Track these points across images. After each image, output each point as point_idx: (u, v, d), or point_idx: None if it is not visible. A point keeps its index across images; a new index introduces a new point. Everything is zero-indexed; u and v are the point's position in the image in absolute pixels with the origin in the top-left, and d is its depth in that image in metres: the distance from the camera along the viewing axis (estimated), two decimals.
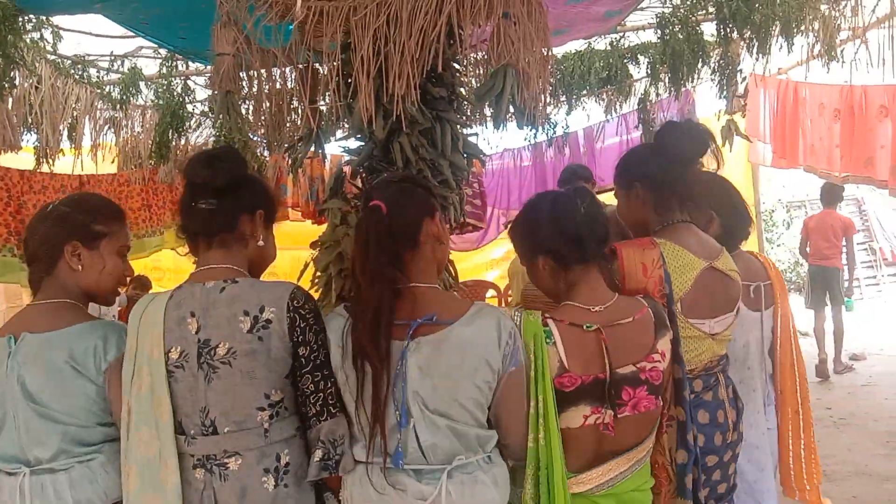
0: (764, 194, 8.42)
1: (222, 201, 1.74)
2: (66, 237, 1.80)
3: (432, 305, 1.68)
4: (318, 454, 1.65)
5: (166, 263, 7.79)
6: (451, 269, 3.09)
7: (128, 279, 2.01)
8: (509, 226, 2.05)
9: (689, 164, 2.10)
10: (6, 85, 2.79)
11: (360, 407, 1.62)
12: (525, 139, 6.15)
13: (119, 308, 6.64)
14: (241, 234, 1.77)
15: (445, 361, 1.61)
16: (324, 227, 2.90)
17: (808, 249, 8.01)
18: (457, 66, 2.85)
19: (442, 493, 1.57)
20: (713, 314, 2.03)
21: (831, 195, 7.92)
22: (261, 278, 1.86)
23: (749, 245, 2.79)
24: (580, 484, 1.74)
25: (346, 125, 2.94)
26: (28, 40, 3.18)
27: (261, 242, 1.81)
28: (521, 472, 1.72)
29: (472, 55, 2.95)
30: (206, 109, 4.97)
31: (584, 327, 1.76)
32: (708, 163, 2.20)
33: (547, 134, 5.53)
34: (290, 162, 5.72)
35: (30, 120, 3.73)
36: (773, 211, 14.76)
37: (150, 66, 4.65)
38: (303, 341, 1.66)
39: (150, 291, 6.97)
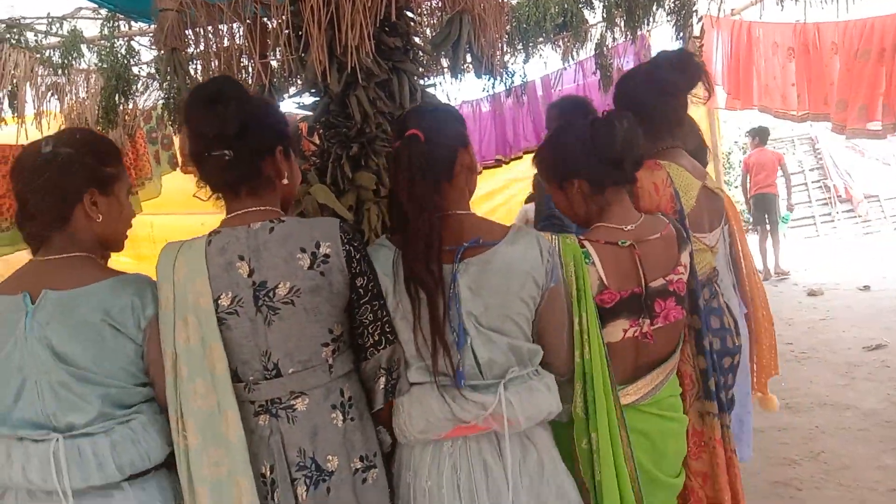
0: (721, 137, 8.62)
1: (239, 150, 1.61)
2: (81, 185, 1.62)
3: (475, 229, 1.71)
4: (381, 381, 1.66)
5: None
6: None
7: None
8: (535, 153, 2.09)
9: (681, 95, 2.19)
10: None
11: (417, 332, 1.62)
12: (483, 90, 6.07)
13: None
14: (265, 177, 1.66)
15: (494, 280, 1.64)
16: None
17: (748, 184, 9.73)
18: (411, 14, 2.77)
19: (502, 402, 1.60)
20: (710, 228, 2.20)
21: (762, 135, 9.71)
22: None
23: None
24: (628, 395, 1.86)
25: (300, 80, 2.87)
26: None
27: (286, 180, 1.71)
28: (564, 388, 1.77)
29: (426, 3, 2.88)
30: (153, 71, 4.80)
31: (619, 244, 1.86)
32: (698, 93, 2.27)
33: (505, 84, 5.46)
34: None
35: None
36: (730, 153, 14.92)
37: (90, 28, 4.45)
38: (360, 272, 1.65)
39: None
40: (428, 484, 1.64)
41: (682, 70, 2.17)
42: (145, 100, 4.93)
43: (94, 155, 1.66)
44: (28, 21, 4.13)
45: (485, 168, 7.08)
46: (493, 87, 5.61)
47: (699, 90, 2.26)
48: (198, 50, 2.79)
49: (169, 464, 1.63)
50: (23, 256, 6.00)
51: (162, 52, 2.47)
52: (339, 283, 1.62)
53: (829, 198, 14.33)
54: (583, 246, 1.83)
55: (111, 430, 1.54)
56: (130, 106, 4.78)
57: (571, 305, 1.76)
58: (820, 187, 14.59)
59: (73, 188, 1.62)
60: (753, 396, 2.73)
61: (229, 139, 1.59)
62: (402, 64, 2.68)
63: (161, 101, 4.83)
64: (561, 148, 1.97)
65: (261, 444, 1.58)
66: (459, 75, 2.78)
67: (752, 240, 9.43)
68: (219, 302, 1.56)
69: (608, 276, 1.83)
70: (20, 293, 1.57)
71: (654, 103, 2.15)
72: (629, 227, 1.90)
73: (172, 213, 6.27)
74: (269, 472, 1.57)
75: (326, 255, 1.60)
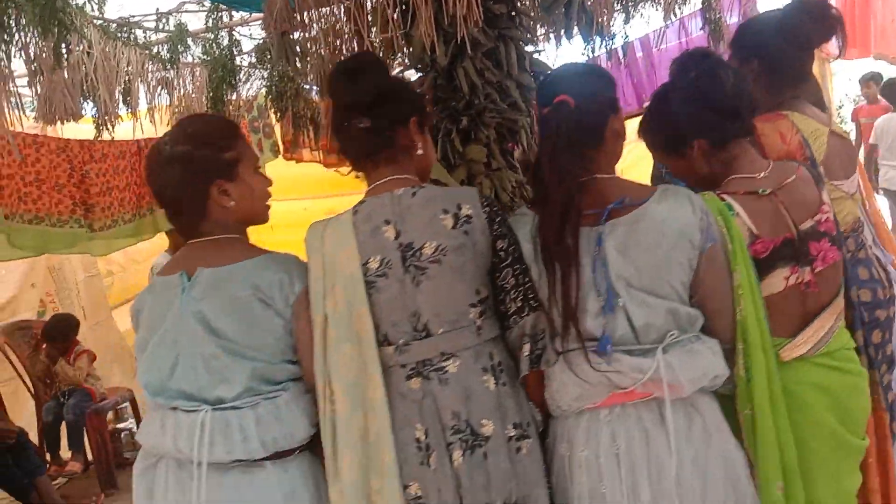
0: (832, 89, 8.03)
1: (374, 118, 1.66)
2: (204, 180, 1.65)
3: (620, 191, 1.65)
4: (525, 349, 1.62)
5: None
6: None
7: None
8: (640, 128, 1.97)
9: (812, 48, 2.05)
10: (62, 52, 2.76)
11: (553, 304, 1.58)
12: (582, 54, 5.88)
13: None
14: (402, 146, 1.70)
15: (643, 240, 1.58)
16: None
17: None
18: None
19: (661, 365, 1.53)
20: (846, 175, 2.06)
21: (878, 81, 7.59)
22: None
23: None
24: (797, 347, 1.74)
25: (403, 58, 2.84)
26: (74, 5, 3.12)
27: (420, 151, 1.73)
28: (730, 355, 1.67)
29: None
30: (254, 60, 4.89)
31: (759, 192, 1.76)
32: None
33: (606, 46, 5.27)
34: None
35: (84, 88, 3.70)
36: (840, 107, 14.09)
37: (193, 22, 4.59)
38: (501, 234, 1.64)
39: None
40: (584, 454, 1.58)
41: (819, 20, 2.02)
42: (248, 89, 5.03)
43: (210, 146, 1.67)
44: (136, 19, 4.27)
45: None
46: (593, 52, 5.43)
47: (831, 45, 2.16)
48: (304, 35, 2.80)
49: (311, 447, 1.65)
50: (144, 247, 6.15)
51: (272, 36, 2.49)
52: (481, 243, 1.62)
53: None
54: (722, 199, 1.73)
55: (256, 405, 1.58)
56: (234, 97, 4.88)
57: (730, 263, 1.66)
58: None
59: (197, 183, 1.65)
60: None
61: (366, 107, 1.65)
62: (508, 31, 2.62)
63: (263, 90, 4.93)
64: (670, 113, 1.84)
65: (413, 408, 1.58)
66: (570, 38, 2.69)
67: None
68: (367, 265, 1.60)
69: (757, 225, 1.73)
70: (177, 272, 1.65)
71: (784, 54, 2.02)
72: (763, 175, 1.78)
73: (276, 199, 6.44)
74: (423, 437, 1.56)
75: (468, 216, 1.61)
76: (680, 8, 5.29)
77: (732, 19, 6.15)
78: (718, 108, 1.76)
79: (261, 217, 1.79)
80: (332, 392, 1.58)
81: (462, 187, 1.75)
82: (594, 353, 1.56)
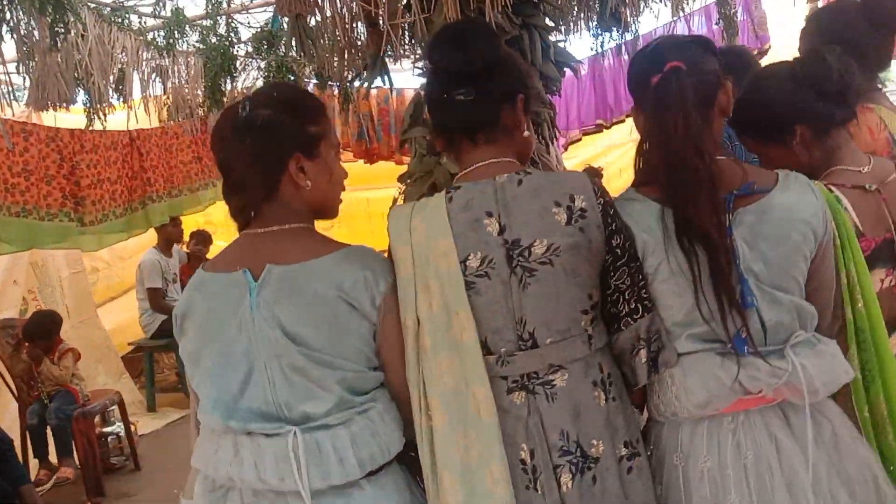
0: None
1: (480, 91, 1.47)
2: (285, 151, 1.46)
3: (744, 174, 1.50)
4: (641, 354, 1.46)
5: (217, 217, 7.61)
6: None
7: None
8: (733, 118, 1.84)
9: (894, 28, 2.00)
10: (59, 33, 2.59)
11: (699, 292, 1.43)
12: (591, 48, 5.76)
13: (181, 264, 6.56)
14: (504, 125, 1.50)
15: (772, 232, 1.46)
16: (374, 166, 2.66)
17: None
18: None
19: (798, 369, 1.41)
20: None
21: None
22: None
23: None
24: None
25: (416, 46, 2.70)
26: None
27: (526, 132, 1.55)
28: None
29: None
30: (251, 50, 4.72)
31: (867, 187, 1.69)
32: None
33: (617, 40, 5.16)
34: (340, 101, 5.47)
35: (77, 74, 3.52)
36: None
37: (190, 8, 4.42)
38: (616, 230, 1.45)
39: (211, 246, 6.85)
40: (707, 465, 1.44)
41: None
42: (244, 79, 4.86)
43: (295, 114, 1.49)
44: (131, 3, 4.10)
45: (584, 134, 6.81)
46: (602, 46, 5.31)
47: None
48: (313, 18, 2.65)
49: (399, 456, 1.48)
50: (131, 244, 5.96)
51: (287, 19, 2.34)
52: (597, 240, 1.43)
53: None
54: (830, 190, 1.63)
55: (350, 422, 1.39)
56: (230, 87, 4.71)
57: (837, 258, 1.56)
58: None
59: (276, 153, 1.46)
60: None
61: (473, 77, 1.47)
62: (532, 19, 2.48)
63: (259, 80, 4.76)
64: (769, 98, 1.75)
65: (517, 426, 1.40)
66: (603, 28, 2.57)
67: None
68: (467, 263, 1.41)
69: (862, 221, 1.66)
70: (238, 269, 1.45)
71: (870, 37, 1.97)
72: (867, 170, 1.71)
73: None
74: (529, 458, 1.40)
75: (583, 210, 1.42)
76: (689, 4, 5.21)
77: (739, 17, 6.10)
78: (823, 90, 1.68)
79: (333, 208, 1.60)
80: (427, 405, 1.42)
81: (570, 172, 1.56)
82: (731, 354, 1.44)
